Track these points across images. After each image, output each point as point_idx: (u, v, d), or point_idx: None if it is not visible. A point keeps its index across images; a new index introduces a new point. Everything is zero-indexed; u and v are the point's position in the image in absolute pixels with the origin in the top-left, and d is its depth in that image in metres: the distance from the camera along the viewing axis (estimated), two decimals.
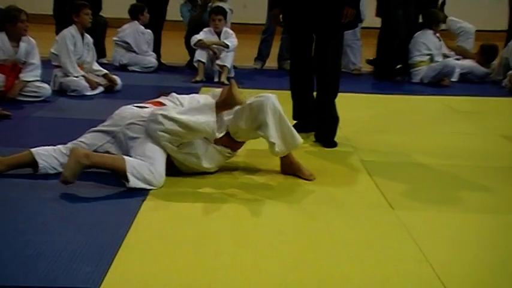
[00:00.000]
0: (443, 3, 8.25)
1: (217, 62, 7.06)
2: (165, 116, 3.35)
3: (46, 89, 5.61)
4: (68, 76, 5.94)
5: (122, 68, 7.53)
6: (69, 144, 3.53)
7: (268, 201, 3.29)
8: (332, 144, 4.42)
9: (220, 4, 7.65)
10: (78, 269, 2.38)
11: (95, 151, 3.46)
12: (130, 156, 3.36)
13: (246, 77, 7.48)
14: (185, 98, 3.81)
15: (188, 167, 3.53)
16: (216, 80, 7.04)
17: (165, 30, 8.22)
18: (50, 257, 2.47)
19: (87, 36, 6.15)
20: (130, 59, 7.62)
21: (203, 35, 7.15)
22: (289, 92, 4.76)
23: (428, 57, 7.57)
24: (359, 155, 4.22)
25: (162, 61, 8.06)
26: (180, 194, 3.30)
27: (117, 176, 3.28)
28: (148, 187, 3.27)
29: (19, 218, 2.88)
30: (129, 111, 3.59)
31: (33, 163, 3.42)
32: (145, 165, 3.29)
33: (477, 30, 8.41)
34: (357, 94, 6.50)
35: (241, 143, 3.73)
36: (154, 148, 3.38)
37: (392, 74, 7.67)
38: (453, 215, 3.21)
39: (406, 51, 7.66)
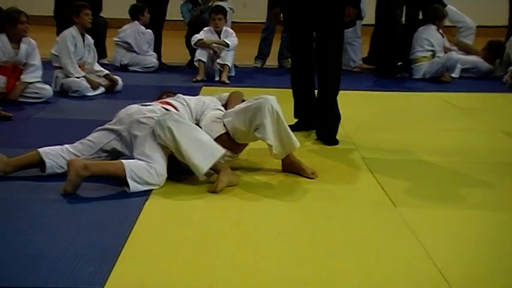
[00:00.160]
0: None
1: (218, 61, 7.06)
2: (168, 128, 3.32)
3: (47, 90, 5.61)
4: (69, 77, 5.94)
5: (123, 68, 7.54)
6: (77, 143, 3.54)
7: (269, 200, 3.29)
8: (333, 142, 4.43)
9: (221, 3, 7.65)
10: (81, 269, 2.38)
11: (101, 148, 3.51)
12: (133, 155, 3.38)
13: (247, 75, 7.49)
14: (192, 99, 3.83)
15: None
16: (216, 79, 7.04)
17: (165, 30, 8.22)
18: (52, 258, 2.47)
19: (88, 37, 6.15)
20: (131, 59, 7.63)
21: (203, 35, 7.15)
22: (290, 91, 4.76)
23: (431, 53, 7.54)
24: (360, 152, 4.23)
25: (163, 61, 8.07)
26: (182, 193, 3.30)
27: (118, 181, 3.28)
28: (149, 188, 3.28)
29: (21, 219, 2.88)
30: (134, 109, 3.60)
31: (40, 163, 3.42)
32: (144, 167, 3.29)
33: (477, 26, 8.39)
34: (357, 92, 6.50)
35: (242, 146, 3.74)
36: (154, 147, 3.38)
37: (393, 71, 7.66)
38: (455, 211, 3.21)
39: (406, 48, 7.64)
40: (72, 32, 6.00)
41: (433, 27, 7.62)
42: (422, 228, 2.93)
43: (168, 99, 3.78)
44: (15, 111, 4.97)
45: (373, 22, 8.34)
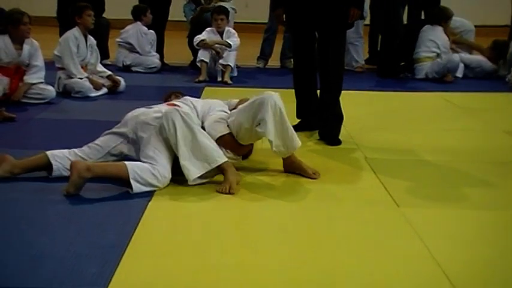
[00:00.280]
0: None
1: (220, 61, 7.07)
2: (172, 122, 3.34)
3: (50, 91, 5.62)
4: (72, 78, 5.95)
5: (125, 69, 7.55)
6: (85, 147, 3.56)
7: (272, 200, 3.29)
8: (336, 142, 4.43)
9: (223, 4, 7.65)
10: (85, 270, 2.39)
11: (108, 152, 3.53)
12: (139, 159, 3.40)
13: (249, 76, 7.50)
14: (198, 102, 3.84)
15: None
16: (219, 79, 7.04)
17: (167, 31, 8.23)
18: (55, 258, 2.48)
19: (90, 38, 6.16)
20: (134, 59, 7.64)
21: (206, 35, 7.15)
22: (292, 91, 4.76)
23: (435, 54, 7.53)
24: (363, 152, 4.23)
25: (165, 61, 8.08)
26: (185, 193, 3.30)
27: (121, 183, 3.28)
28: (152, 189, 3.28)
29: (24, 220, 2.89)
30: (141, 111, 3.62)
31: (47, 165, 3.43)
32: (147, 168, 3.30)
33: (479, 26, 8.38)
34: (360, 92, 6.50)
35: (245, 148, 3.74)
36: (158, 148, 3.39)
37: (395, 71, 7.66)
38: (458, 211, 3.21)
39: (409, 48, 7.63)
40: (74, 33, 6.01)
41: (440, 29, 7.60)
42: (425, 228, 2.93)
43: (175, 101, 3.80)
44: (18, 112, 4.97)
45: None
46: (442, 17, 7.64)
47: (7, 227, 2.82)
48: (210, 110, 3.77)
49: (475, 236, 2.92)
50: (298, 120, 4.69)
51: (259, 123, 3.49)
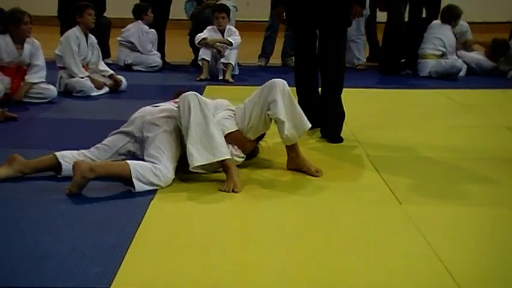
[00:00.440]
0: None
1: (222, 60, 7.06)
2: (188, 106, 3.36)
3: (52, 90, 5.62)
4: (73, 77, 5.95)
5: (127, 68, 7.55)
6: (93, 149, 3.56)
7: (274, 198, 3.29)
8: (338, 139, 4.43)
9: (224, 2, 7.64)
10: (87, 269, 2.39)
11: (117, 151, 3.53)
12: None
13: (250, 74, 7.49)
14: (207, 100, 3.84)
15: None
16: (220, 77, 7.04)
17: (168, 29, 8.23)
18: (58, 258, 2.48)
19: (91, 37, 6.16)
20: (135, 58, 7.64)
21: (207, 33, 7.15)
22: (293, 89, 4.73)
23: (440, 52, 7.52)
24: (365, 150, 4.22)
25: (167, 60, 8.08)
26: (187, 192, 3.30)
27: (124, 182, 3.28)
28: (154, 188, 3.28)
29: (27, 220, 2.88)
30: (147, 110, 3.62)
31: (56, 166, 3.43)
32: (149, 167, 3.29)
33: (481, 22, 8.38)
34: (361, 89, 6.49)
35: (251, 145, 3.75)
36: (161, 148, 3.38)
37: (396, 68, 7.65)
38: (461, 208, 3.21)
39: (410, 46, 7.62)
40: (75, 32, 6.01)
41: (449, 27, 7.60)
42: (428, 225, 2.93)
43: None
44: (19, 112, 4.97)
45: (377, 19, 8.36)
46: (452, 16, 7.63)
47: (9, 227, 2.82)
48: (217, 108, 3.78)
49: (478, 233, 2.92)
50: None
51: (270, 106, 3.56)
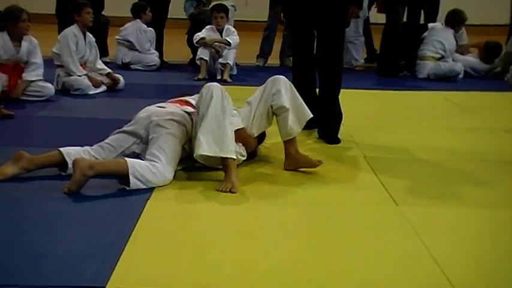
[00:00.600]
0: None
1: (220, 60, 7.06)
2: (211, 94, 3.42)
3: (49, 88, 5.61)
4: (71, 75, 5.94)
5: (125, 67, 7.54)
6: (97, 147, 3.54)
7: (272, 198, 3.29)
8: (335, 140, 4.43)
9: (223, 1, 7.64)
10: (85, 268, 2.38)
11: (122, 152, 3.51)
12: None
13: (248, 74, 7.49)
14: None
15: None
16: (218, 77, 7.03)
17: (167, 28, 8.22)
18: (56, 256, 2.47)
19: (89, 35, 6.15)
20: (133, 57, 7.64)
21: (205, 33, 7.15)
22: None
23: (440, 55, 7.53)
24: (362, 151, 4.22)
25: (165, 59, 8.07)
26: (185, 191, 3.30)
27: (121, 179, 3.27)
28: (150, 186, 3.28)
29: (25, 218, 2.88)
30: (152, 110, 3.61)
31: (61, 163, 3.42)
32: (147, 166, 3.29)
33: (478, 25, 8.39)
34: (359, 90, 6.50)
35: (253, 143, 3.76)
36: (164, 147, 3.38)
37: (395, 69, 7.65)
38: (457, 210, 3.21)
39: (409, 48, 7.62)
40: (73, 30, 6.00)
41: (451, 31, 7.61)
42: (424, 226, 2.93)
43: (187, 98, 3.82)
44: (17, 110, 4.96)
45: (375, 21, 8.36)
46: (456, 21, 7.63)
47: (7, 225, 2.81)
48: None
49: (474, 235, 2.92)
50: None
51: (274, 97, 3.69)
